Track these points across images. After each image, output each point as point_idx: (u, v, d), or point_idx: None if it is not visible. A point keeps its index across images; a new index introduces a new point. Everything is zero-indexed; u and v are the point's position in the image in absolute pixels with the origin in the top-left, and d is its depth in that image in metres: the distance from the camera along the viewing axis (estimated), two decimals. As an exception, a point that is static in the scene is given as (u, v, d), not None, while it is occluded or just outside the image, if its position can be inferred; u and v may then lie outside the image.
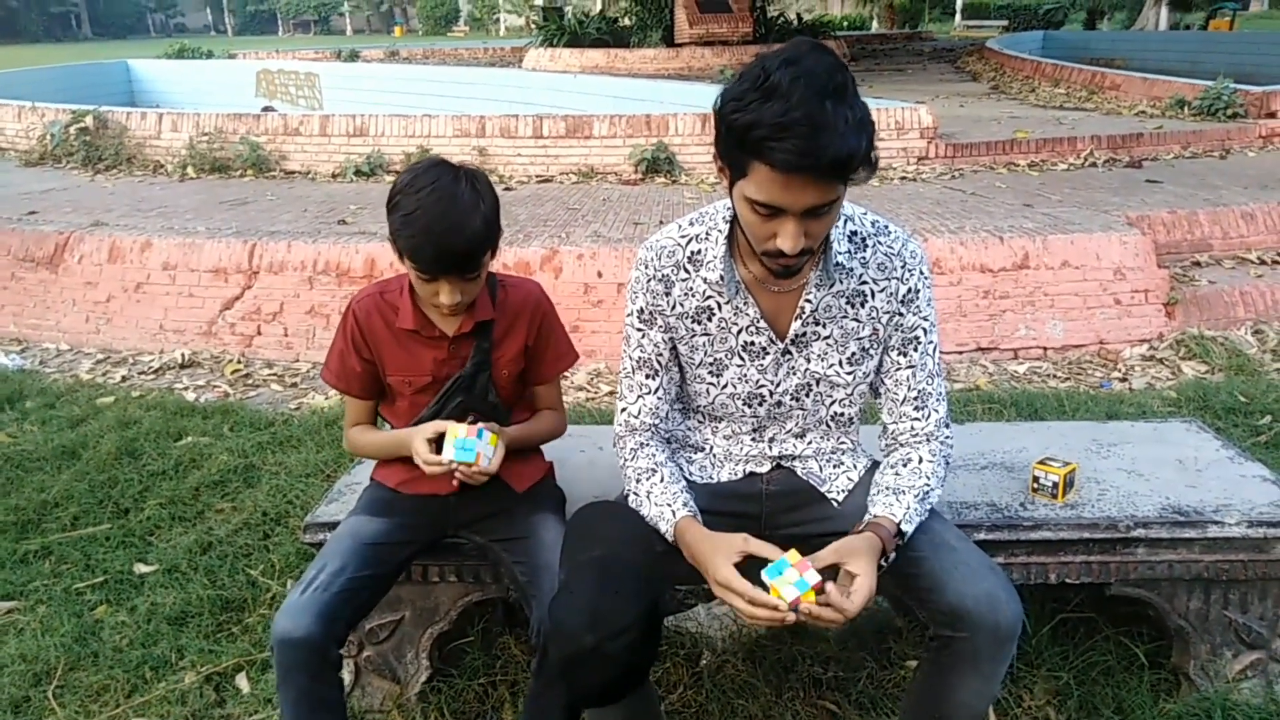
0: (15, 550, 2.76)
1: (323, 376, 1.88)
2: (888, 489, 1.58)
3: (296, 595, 1.63)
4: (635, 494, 1.65)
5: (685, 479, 1.69)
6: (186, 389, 4.24)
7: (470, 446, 1.65)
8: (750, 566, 1.45)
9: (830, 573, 1.45)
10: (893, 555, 1.51)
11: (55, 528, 2.87)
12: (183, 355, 4.62)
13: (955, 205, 5.39)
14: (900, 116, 6.69)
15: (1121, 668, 2.07)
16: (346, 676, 1.97)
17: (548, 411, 1.91)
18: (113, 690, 2.15)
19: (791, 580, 1.39)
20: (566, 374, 1.95)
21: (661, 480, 1.62)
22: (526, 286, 1.86)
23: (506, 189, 6.44)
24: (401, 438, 1.75)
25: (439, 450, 1.68)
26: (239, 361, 4.59)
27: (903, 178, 6.38)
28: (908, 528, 1.53)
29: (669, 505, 1.59)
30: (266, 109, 9.85)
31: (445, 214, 1.58)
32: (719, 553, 1.47)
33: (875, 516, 1.53)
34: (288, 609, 1.61)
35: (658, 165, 6.62)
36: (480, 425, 1.69)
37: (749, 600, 1.41)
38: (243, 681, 2.18)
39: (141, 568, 2.64)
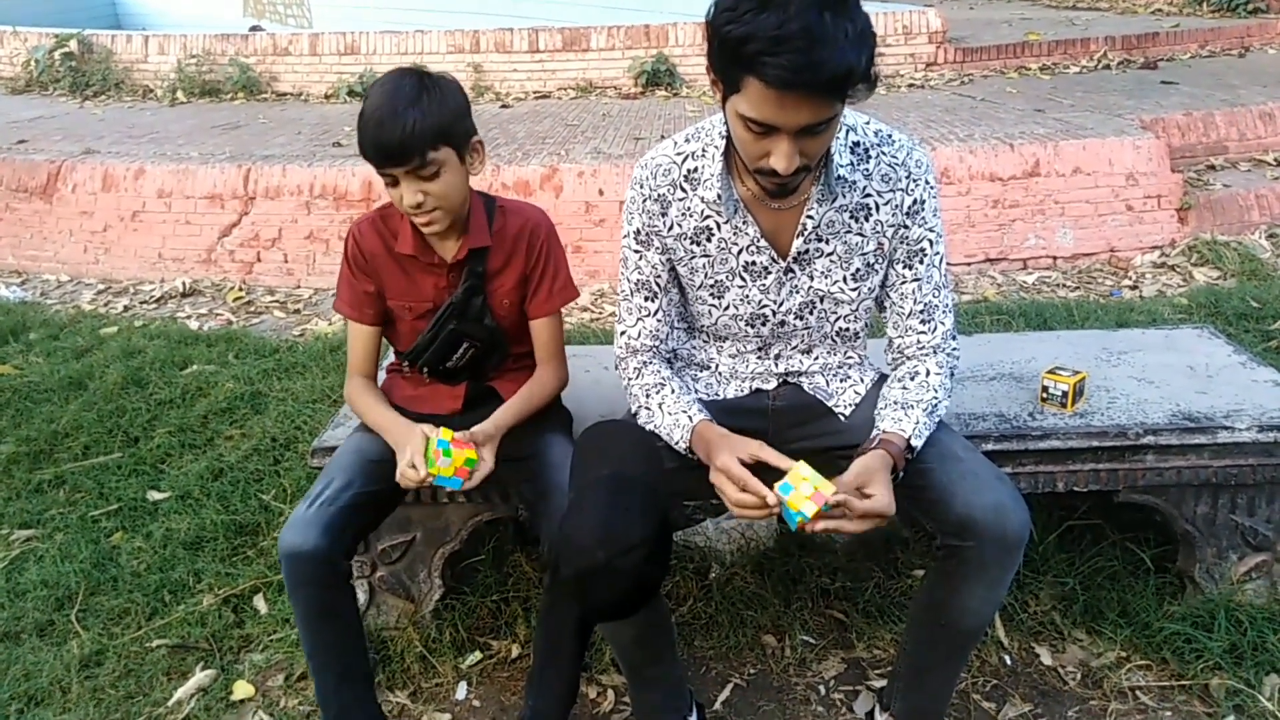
0: (30, 480, 2.79)
1: (335, 307, 1.85)
2: (896, 403, 1.57)
3: (303, 510, 1.63)
4: (646, 408, 1.64)
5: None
6: (189, 317, 4.23)
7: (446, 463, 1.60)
8: (764, 479, 1.44)
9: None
10: (902, 472, 1.51)
11: (67, 457, 2.89)
12: (184, 284, 4.59)
13: (964, 112, 5.25)
14: (907, 20, 6.47)
15: (1127, 572, 2.09)
16: (361, 596, 2.00)
17: (545, 369, 1.82)
18: (133, 613, 2.20)
19: (805, 495, 1.38)
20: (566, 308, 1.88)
21: (673, 392, 1.62)
22: (527, 213, 1.79)
23: (504, 106, 6.29)
24: (394, 435, 1.69)
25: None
26: (240, 289, 4.56)
27: (910, 84, 6.20)
28: (917, 443, 1.52)
29: (684, 412, 1.58)
30: (255, 28, 9.56)
31: (381, 105, 1.58)
32: (729, 447, 1.48)
33: (885, 432, 1.52)
34: (294, 523, 1.61)
35: (658, 78, 6.44)
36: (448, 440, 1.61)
37: (740, 486, 1.42)
38: (260, 602, 2.22)
39: (154, 495, 2.66)
